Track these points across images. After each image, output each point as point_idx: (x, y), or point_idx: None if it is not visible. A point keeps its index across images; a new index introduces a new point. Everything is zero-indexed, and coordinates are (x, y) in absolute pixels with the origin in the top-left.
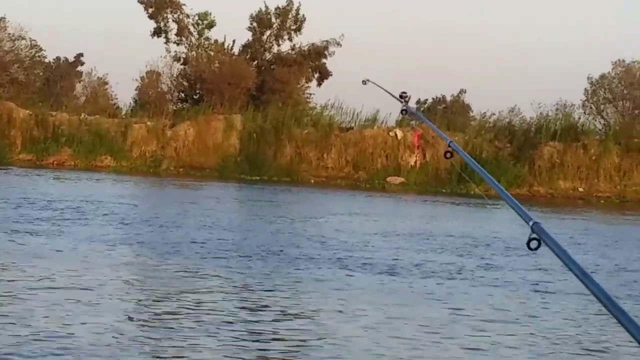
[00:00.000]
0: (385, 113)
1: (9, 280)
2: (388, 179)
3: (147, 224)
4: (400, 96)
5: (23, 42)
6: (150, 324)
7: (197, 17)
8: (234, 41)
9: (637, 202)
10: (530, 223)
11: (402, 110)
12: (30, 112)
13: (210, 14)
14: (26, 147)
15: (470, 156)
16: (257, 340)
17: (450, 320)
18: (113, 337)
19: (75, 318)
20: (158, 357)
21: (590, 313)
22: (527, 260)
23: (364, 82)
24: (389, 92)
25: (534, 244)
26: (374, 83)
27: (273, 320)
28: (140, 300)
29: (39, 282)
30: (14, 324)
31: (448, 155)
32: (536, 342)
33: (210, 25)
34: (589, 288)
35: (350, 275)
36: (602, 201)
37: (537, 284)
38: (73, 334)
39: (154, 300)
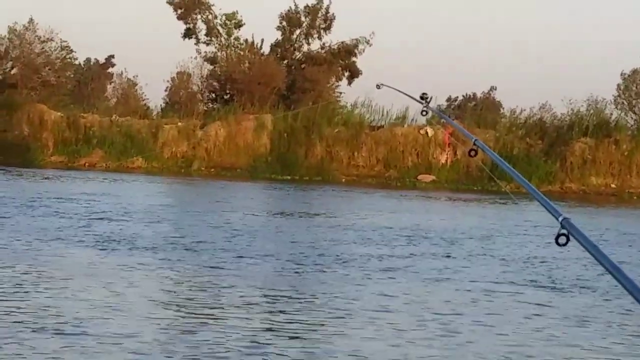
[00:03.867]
0: (415, 111)
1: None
2: (419, 177)
3: (173, 224)
4: (422, 97)
5: (53, 43)
6: (171, 324)
7: (224, 18)
8: (262, 40)
9: None
10: (560, 218)
11: (422, 111)
12: (62, 114)
13: (237, 13)
14: (58, 149)
15: (500, 153)
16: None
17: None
18: (139, 336)
19: (104, 309)
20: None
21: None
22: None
23: (378, 87)
24: (408, 95)
25: (562, 239)
26: (390, 86)
27: (291, 315)
28: (167, 300)
29: (63, 291)
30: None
31: (472, 153)
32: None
33: (239, 25)
34: (621, 282)
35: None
36: (635, 197)
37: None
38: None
39: (179, 300)
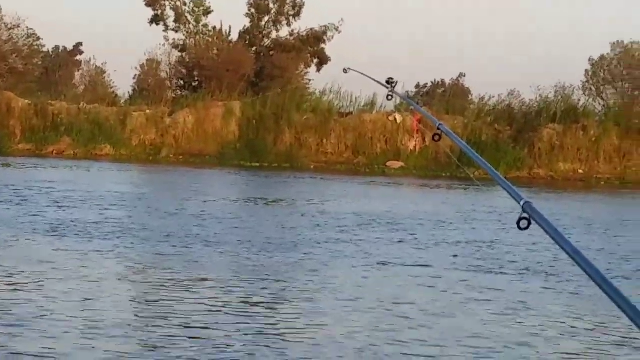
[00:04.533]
0: (384, 97)
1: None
2: (388, 163)
3: (143, 212)
4: (387, 82)
5: (20, 30)
6: (142, 314)
7: (192, 5)
8: (230, 27)
9: (637, 184)
10: (522, 202)
11: (387, 96)
12: (30, 102)
13: (206, 0)
14: (25, 137)
15: (468, 140)
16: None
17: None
18: (112, 332)
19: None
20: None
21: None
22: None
23: (345, 71)
24: (373, 79)
25: (523, 223)
26: (356, 71)
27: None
28: (137, 290)
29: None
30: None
31: (437, 138)
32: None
33: (207, 12)
34: (582, 267)
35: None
36: (603, 182)
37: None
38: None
39: (148, 290)
